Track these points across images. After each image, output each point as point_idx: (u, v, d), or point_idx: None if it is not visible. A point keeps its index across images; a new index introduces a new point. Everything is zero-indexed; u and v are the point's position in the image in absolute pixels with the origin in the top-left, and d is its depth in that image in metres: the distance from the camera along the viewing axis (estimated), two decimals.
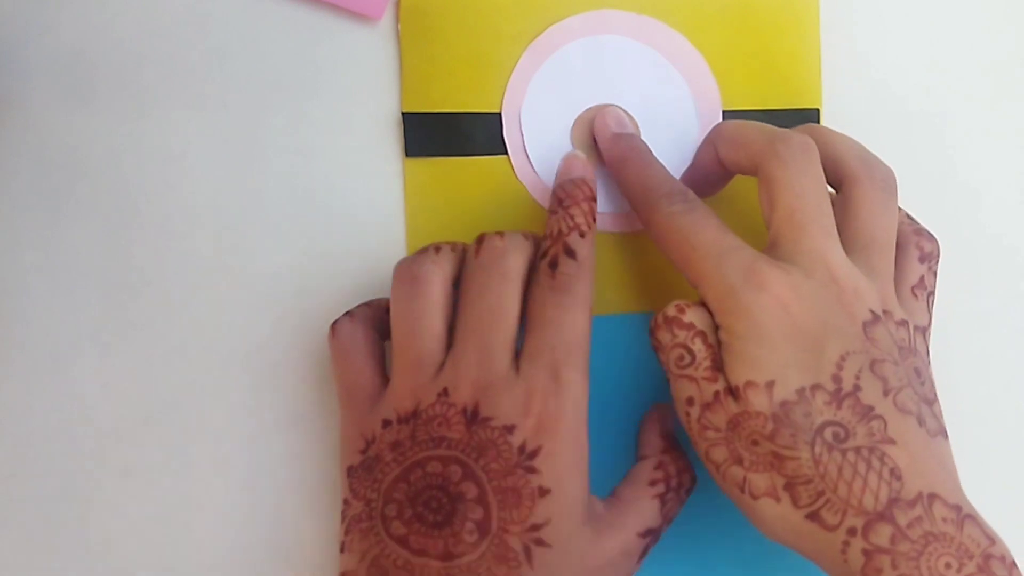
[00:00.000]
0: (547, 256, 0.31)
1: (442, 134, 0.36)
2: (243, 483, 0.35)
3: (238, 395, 0.35)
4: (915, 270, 0.33)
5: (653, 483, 0.32)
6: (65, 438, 0.34)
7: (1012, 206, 0.39)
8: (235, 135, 0.35)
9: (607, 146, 0.35)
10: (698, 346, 0.30)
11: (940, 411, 0.31)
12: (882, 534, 0.28)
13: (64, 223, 0.34)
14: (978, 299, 0.39)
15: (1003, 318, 0.39)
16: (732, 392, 0.29)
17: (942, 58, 0.39)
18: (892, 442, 0.28)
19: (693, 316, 0.31)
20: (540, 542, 0.28)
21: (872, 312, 0.30)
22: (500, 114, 0.36)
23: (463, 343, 0.30)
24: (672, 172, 0.37)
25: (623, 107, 0.37)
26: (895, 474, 0.28)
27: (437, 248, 0.32)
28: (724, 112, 0.37)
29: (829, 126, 0.37)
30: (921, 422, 0.29)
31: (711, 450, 0.30)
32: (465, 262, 0.32)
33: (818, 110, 0.37)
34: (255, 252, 0.35)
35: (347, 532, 0.30)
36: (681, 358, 0.30)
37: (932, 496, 0.28)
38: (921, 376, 0.31)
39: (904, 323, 0.31)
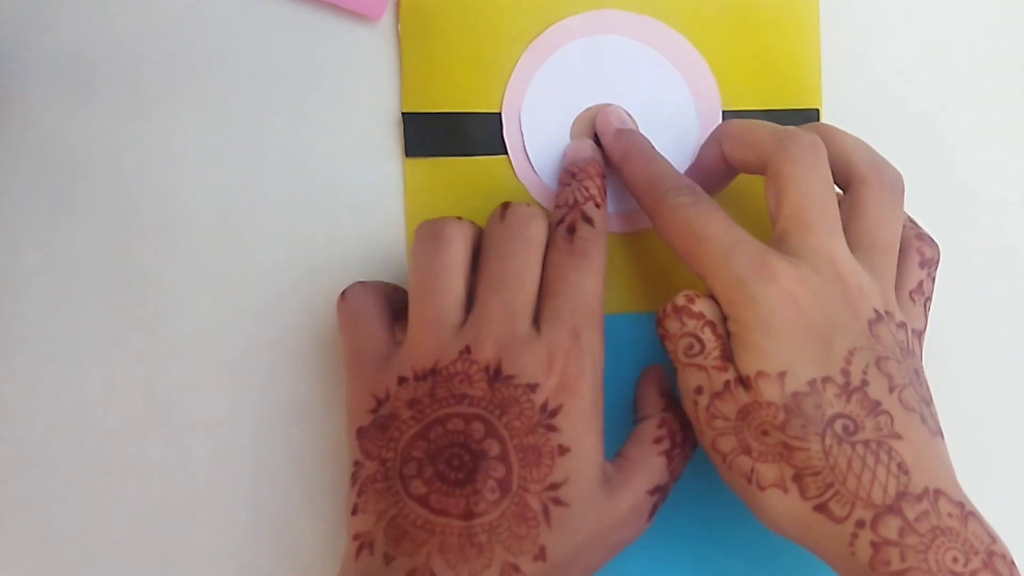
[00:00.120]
0: (564, 222, 0.32)
1: (442, 134, 0.36)
2: (245, 482, 0.35)
3: (239, 394, 0.35)
4: (915, 275, 0.33)
5: (658, 440, 0.32)
6: (66, 438, 0.34)
7: (1012, 206, 0.39)
8: (235, 135, 0.35)
9: (611, 142, 0.35)
10: (707, 335, 0.30)
11: (936, 413, 0.31)
12: (891, 527, 0.28)
13: (64, 223, 0.35)
14: (978, 299, 0.39)
15: (1003, 318, 0.39)
16: (743, 382, 0.29)
17: (942, 58, 0.39)
18: (899, 437, 0.29)
19: (702, 306, 0.31)
20: (558, 501, 0.28)
21: (876, 311, 0.30)
22: (500, 114, 0.36)
23: (486, 302, 0.30)
24: None
25: (623, 107, 0.37)
26: (902, 468, 0.28)
27: (459, 217, 0.32)
28: (724, 112, 0.37)
29: None
30: (923, 420, 0.29)
31: (718, 439, 0.30)
32: (487, 227, 0.32)
33: (818, 110, 0.37)
34: (255, 252, 0.35)
35: (360, 493, 0.29)
36: (691, 347, 0.30)
37: (937, 492, 0.28)
38: (919, 377, 0.31)
39: (903, 325, 0.31)
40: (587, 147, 0.35)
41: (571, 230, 0.32)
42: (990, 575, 0.27)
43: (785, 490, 0.29)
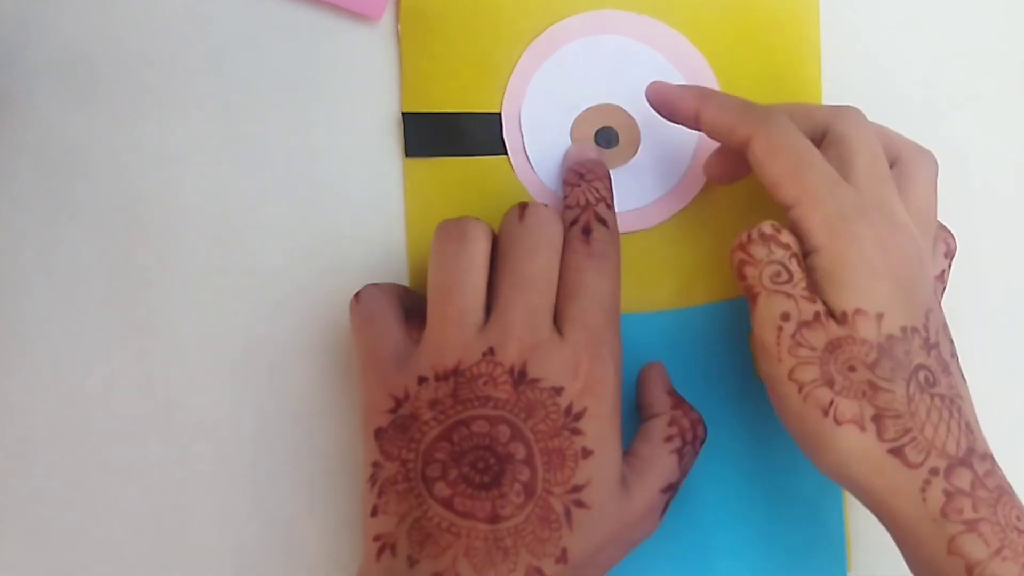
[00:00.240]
0: (578, 223, 0.32)
1: (442, 134, 0.36)
2: (245, 482, 0.35)
3: (239, 394, 0.35)
4: (940, 262, 0.34)
5: (669, 439, 0.32)
6: (66, 438, 0.34)
7: (1013, 206, 0.39)
8: (235, 135, 0.35)
9: (681, 92, 0.34)
10: (795, 266, 0.30)
11: None
12: (964, 478, 0.28)
13: (65, 223, 0.35)
14: (979, 298, 0.39)
15: (1005, 316, 0.39)
16: (834, 316, 0.30)
17: (943, 57, 0.39)
18: (962, 399, 0.30)
19: (788, 238, 0.31)
20: (580, 503, 0.29)
21: (934, 279, 0.31)
22: (500, 114, 0.36)
23: (509, 304, 0.30)
24: (675, 171, 0.37)
25: (623, 107, 0.37)
26: (969, 427, 0.29)
27: (476, 218, 0.32)
28: None
29: None
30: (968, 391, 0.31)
31: (799, 368, 0.30)
32: (505, 226, 0.32)
33: None
34: (255, 252, 0.35)
35: (380, 494, 0.29)
36: (778, 274, 0.30)
37: (992, 456, 0.29)
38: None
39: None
40: (591, 149, 0.36)
41: (587, 231, 0.32)
42: None
43: (863, 428, 0.29)
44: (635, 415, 0.34)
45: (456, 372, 0.29)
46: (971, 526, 0.28)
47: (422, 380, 0.30)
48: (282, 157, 0.35)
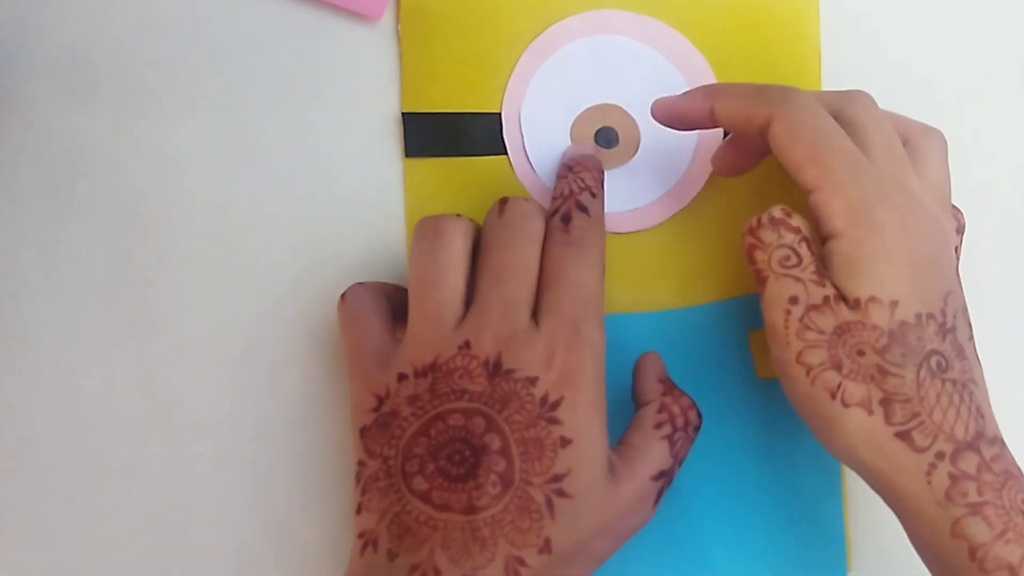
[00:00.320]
0: (559, 212, 0.32)
1: (442, 134, 0.36)
2: (245, 482, 0.35)
3: (239, 394, 0.35)
4: (954, 237, 0.34)
5: (659, 425, 0.32)
6: (66, 437, 0.34)
7: (1014, 205, 0.39)
8: (235, 135, 0.35)
9: (692, 97, 0.34)
10: (804, 250, 0.30)
11: None
12: (970, 462, 0.28)
13: (65, 223, 0.35)
14: (980, 298, 0.39)
15: (1005, 315, 0.39)
16: (847, 302, 0.30)
17: (942, 57, 0.39)
18: (976, 383, 0.30)
19: (799, 222, 0.31)
20: (562, 493, 0.28)
21: (956, 259, 0.31)
22: (500, 114, 0.36)
23: (486, 297, 0.30)
24: (675, 171, 0.37)
25: (623, 107, 0.37)
26: (979, 412, 0.29)
27: (457, 214, 0.32)
28: None
29: None
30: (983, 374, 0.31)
31: (807, 351, 0.30)
32: (486, 222, 0.32)
33: None
34: (255, 252, 0.35)
35: (364, 492, 0.29)
36: (787, 258, 0.30)
37: (1002, 440, 0.30)
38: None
39: None
40: (588, 147, 0.36)
41: (566, 219, 0.32)
42: None
43: (870, 411, 0.29)
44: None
45: (434, 367, 0.30)
46: (975, 509, 0.28)
47: (402, 377, 0.30)
48: (282, 157, 0.35)
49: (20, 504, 0.34)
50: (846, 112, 0.32)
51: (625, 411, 0.33)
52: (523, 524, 0.28)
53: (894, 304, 0.29)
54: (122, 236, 0.35)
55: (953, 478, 0.28)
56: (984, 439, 0.29)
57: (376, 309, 0.32)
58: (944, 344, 0.29)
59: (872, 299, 0.29)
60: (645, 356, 0.34)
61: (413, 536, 0.28)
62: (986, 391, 0.30)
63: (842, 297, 0.30)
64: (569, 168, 0.34)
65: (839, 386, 0.29)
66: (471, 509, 0.28)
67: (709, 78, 0.37)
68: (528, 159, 0.36)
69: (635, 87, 0.37)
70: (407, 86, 0.36)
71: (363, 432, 0.30)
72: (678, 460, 0.32)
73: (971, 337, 0.31)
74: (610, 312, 0.36)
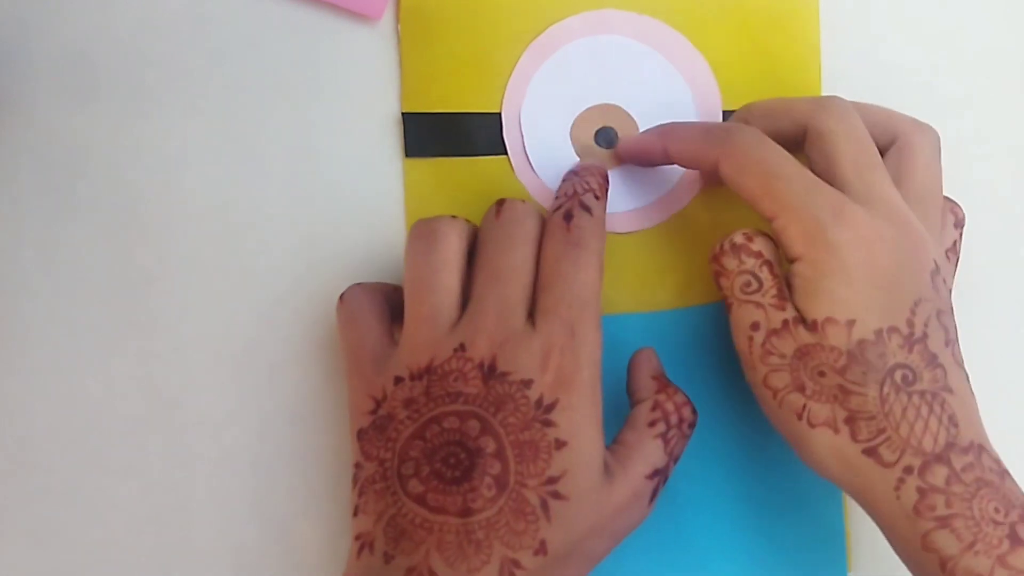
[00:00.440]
0: (561, 209, 0.32)
1: (442, 134, 0.36)
2: (245, 482, 0.35)
3: (239, 394, 0.35)
4: (950, 233, 0.34)
5: (652, 424, 0.32)
6: (66, 437, 0.34)
7: (1013, 206, 0.39)
8: (235, 135, 0.35)
9: (642, 139, 0.35)
10: (765, 274, 0.31)
11: None
12: (938, 475, 0.29)
13: (65, 223, 0.35)
14: (978, 298, 0.39)
15: (1005, 314, 0.39)
16: (805, 323, 0.30)
17: (942, 58, 0.39)
18: (950, 391, 0.30)
19: (761, 245, 0.31)
20: (557, 495, 0.28)
21: (935, 262, 0.31)
22: (500, 114, 0.36)
23: (481, 299, 0.30)
24: (675, 171, 0.37)
25: (623, 107, 0.37)
26: (952, 421, 0.29)
27: (453, 216, 0.32)
28: (724, 112, 0.37)
29: None
30: (967, 377, 0.31)
31: (771, 375, 0.30)
32: (483, 223, 0.32)
33: None
34: (255, 252, 0.35)
35: (360, 494, 0.29)
36: (748, 284, 0.31)
37: (980, 447, 0.29)
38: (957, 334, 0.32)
39: (945, 281, 0.32)
40: (595, 161, 0.36)
41: (568, 217, 0.31)
42: None
43: (836, 430, 0.29)
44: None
45: (429, 370, 0.30)
46: (943, 522, 0.28)
47: (398, 380, 0.30)
48: (282, 157, 0.35)
49: (20, 504, 0.34)
50: (814, 124, 0.32)
51: (624, 411, 0.33)
52: (518, 526, 0.28)
53: (851, 323, 0.29)
54: (122, 236, 0.35)
55: (921, 492, 0.29)
56: (956, 449, 0.29)
57: (374, 310, 0.32)
58: (911, 356, 0.29)
59: (828, 320, 0.30)
60: (639, 352, 0.34)
61: (409, 539, 0.28)
62: (966, 396, 0.30)
63: (801, 319, 0.30)
64: (574, 172, 0.34)
65: (804, 407, 0.30)
66: (466, 512, 0.28)
67: (709, 78, 0.37)
68: (528, 159, 0.36)
69: (635, 87, 0.37)
70: (407, 86, 0.36)
71: (360, 434, 0.30)
72: (673, 457, 0.32)
73: (950, 342, 0.31)
74: (609, 312, 0.36)
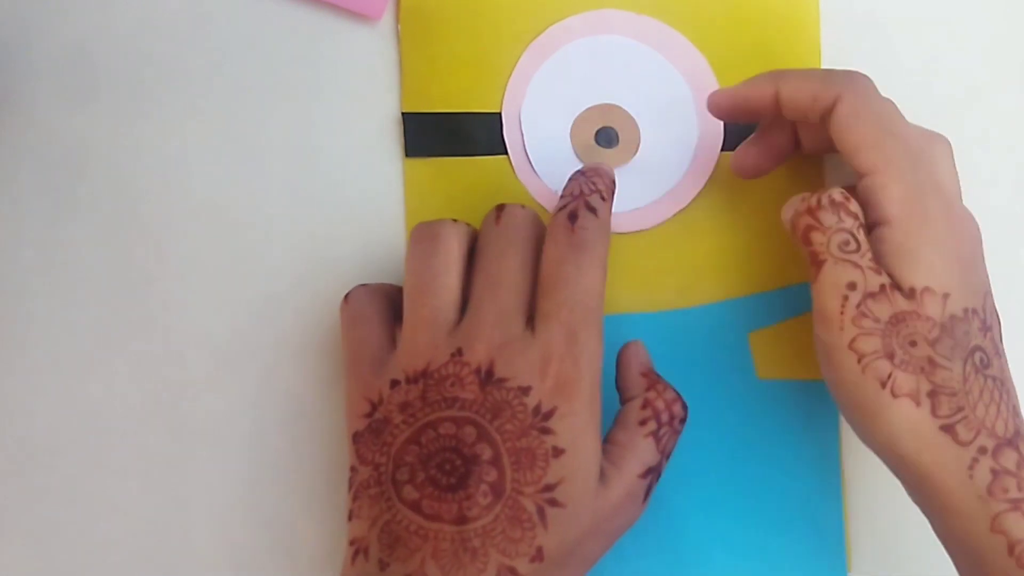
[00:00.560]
0: (566, 208, 0.31)
1: (442, 134, 0.36)
2: (244, 482, 0.35)
3: (238, 394, 0.35)
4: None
5: (644, 422, 0.31)
6: (66, 437, 0.34)
7: (1015, 205, 0.39)
8: (235, 135, 0.35)
9: (742, 85, 0.34)
10: (862, 236, 0.30)
11: None
12: (1010, 459, 0.29)
13: (65, 223, 0.35)
14: None
15: (1005, 314, 0.39)
16: (901, 290, 0.30)
17: (942, 58, 0.39)
18: (1010, 382, 0.30)
19: (855, 207, 0.31)
20: (554, 502, 0.28)
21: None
22: (500, 114, 0.36)
23: (480, 303, 0.30)
24: (675, 171, 0.37)
25: (623, 107, 0.37)
26: (1016, 411, 0.30)
27: (454, 220, 0.32)
28: None
29: None
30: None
31: (862, 339, 0.30)
32: (483, 228, 0.32)
33: None
34: (255, 252, 0.35)
35: (355, 498, 0.29)
36: (847, 243, 0.30)
37: None
38: None
39: None
40: (603, 164, 0.35)
41: (573, 217, 0.31)
42: None
43: (917, 403, 0.29)
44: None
45: (425, 374, 0.29)
46: (1015, 505, 0.28)
47: (394, 383, 0.30)
48: (282, 157, 0.35)
49: (20, 504, 0.34)
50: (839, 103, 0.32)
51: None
52: (514, 534, 0.28)
53: (946, 296, 0.29)
54: (121, 236, 0.35)
55: (995, 473, 0.28)
56: (1021, 437, 0.29)
57: (377, 312, 0.32)
58: (985, 341, 0.30)
59: (927, 289, 0.29)
60: (627, 346, 0.33)
61: (404, 546, 0.28)
62: (1015, 390, 0.31)
63: (896, 286, 0.30)
64: (582, 172, 0.33)
65: (889, 376, 0.29)
66: (462, 520, 0.28)
67: (709, 77, 0.37)
68: (528, 159, 0.36)
69: (635, 87, 0.37)
70: (407, 86, 0.36)
71: (356, 437, 0.30)
72: (665, 454, 0.32)
73: (1001, 337, 0.31)
74: (610, 312, 0.36)
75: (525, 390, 0.29)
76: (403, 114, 0.36)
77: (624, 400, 0.32)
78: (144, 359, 0.35)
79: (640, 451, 0.31)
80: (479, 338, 0.29)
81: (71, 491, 0.34)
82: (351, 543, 0.29)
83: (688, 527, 0.36)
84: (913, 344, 0.29)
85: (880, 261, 0.30)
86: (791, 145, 0.35)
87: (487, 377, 0.29)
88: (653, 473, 0.31)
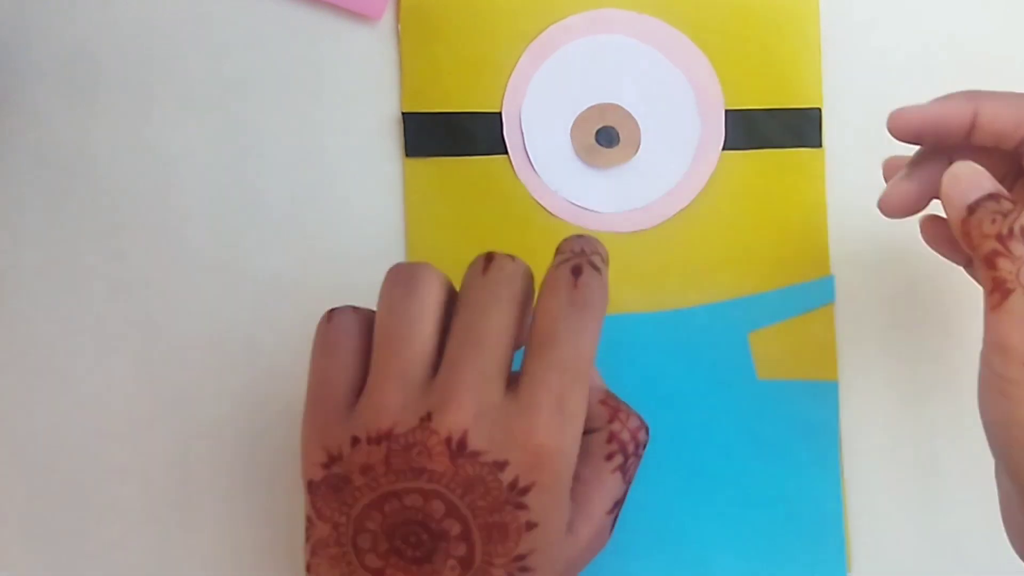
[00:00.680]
0: (569, 262, 0.28)
1: (442, 134, 0.36)
2: (244, 482, 0.35)
3: (239, 394, 0.35)
4: None
5: (610, 457, 0.29)
6: (65, 438, 0.34)
7: None
8: (235, 135, 0.35)
9: (933, 104, 0.31)
10: None
11: None
12: None
13: (64, 223, 0.35)
14: (977, 300, 0.39)
15: None
16: None
17: (942, 57, 0.39)
18: None
19: None
20: (525, 569, 0.27)
21: None
22: (500, 114, 0.36)
23: (457, 362, 0.27)
24: (675, 171, 0.37)
25: (623, 107, 0.37)
26: None
27: (430, 264, 0.29)
28: (726, 111, 0.37)
29: (829, 126, 0.37)
30: None
31: None
32: (467, 277, 0.29)
33: (819, 109, 0.37)
34: (254, 252, 0.35)
35: (313, 554, 0.27)
36: None
37: None
38: None
39: None
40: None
41: (577, 272, 0.28)
42: None
43: None
44: None
45: (389, 436, 0.27)
46: None
47: (355, 442, 0.27)
48: (281, 157, 0.35)
49: (20, 504, 0.34)
50: None
51: None
52: None
53: None
54: (121, 236, 0.35)
55: None
56: None
57: (356, 346, 0.29)
58: None
59: None
60: None
61: None
62: None
63: None
64: (579, 236, 0.30)
65: None
66: None
67: (710, 77, 0.37)
68: (528, 159, 0.36)
69: (635, 87, 0.37)
70: (407, 86, 0.36)
71: (311, 487, 0.27)
72: (629, 483, 0.30)
73: None
74: (610, 312, 0.36)
75: (501, 465, 0.26)
76: (403, 114, 0.36)
77: (584, 430, 0.29)
78: (144, 359, 0.35)
79: (607, 488, 0.29)
80: (453, 404, 0.26)
81: (71, 491, 0.34)
82: None
83: (688, 527, 0.36)
84: None
85: None
86: (938, 182, 0.32)
87: (459, 449, 0.26)
88: (618, 505, 0.29)
